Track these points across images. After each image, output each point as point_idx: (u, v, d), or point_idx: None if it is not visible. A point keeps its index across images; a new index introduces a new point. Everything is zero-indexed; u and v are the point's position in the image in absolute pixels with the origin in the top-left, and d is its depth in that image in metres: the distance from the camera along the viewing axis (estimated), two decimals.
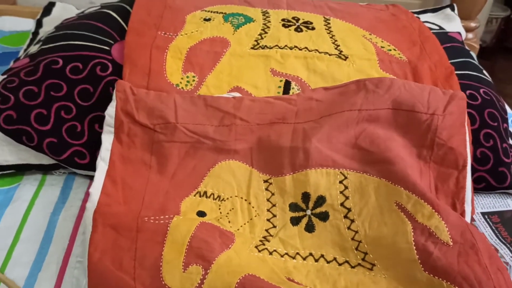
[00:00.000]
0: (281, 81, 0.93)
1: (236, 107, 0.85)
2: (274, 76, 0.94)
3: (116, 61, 0.94)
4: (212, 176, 0.81)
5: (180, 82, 0.92)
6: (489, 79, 1.06)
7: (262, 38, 0.99)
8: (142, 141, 0.82)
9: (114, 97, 0.85)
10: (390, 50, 1.01)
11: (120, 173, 0.79)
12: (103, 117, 0.86)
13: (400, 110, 0.83)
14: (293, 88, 0.93)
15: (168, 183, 0.80)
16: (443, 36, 1.12)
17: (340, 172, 0.79)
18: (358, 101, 0.84)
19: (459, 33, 1.19)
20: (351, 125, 0.82)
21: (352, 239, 0.74)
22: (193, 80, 0.92)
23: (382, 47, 1.01)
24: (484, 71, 1.08)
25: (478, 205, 0.91)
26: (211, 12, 1.05)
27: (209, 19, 1.02)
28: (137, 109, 0.83)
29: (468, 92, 0.96)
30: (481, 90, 0.98)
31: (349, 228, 0.75)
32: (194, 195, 0.79)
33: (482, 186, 0.92)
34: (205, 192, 0.79)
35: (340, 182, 0.78)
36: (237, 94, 0.90)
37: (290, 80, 0.93)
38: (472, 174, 0.90)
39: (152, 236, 0.68)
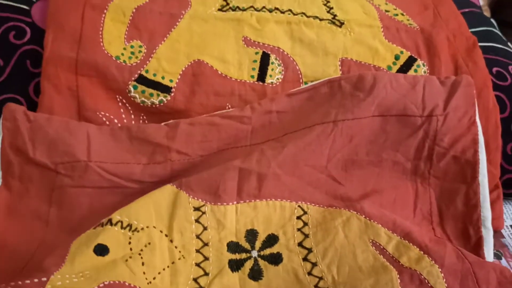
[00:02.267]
0: (257, 53, 0.71)
1: (170, 137, 0.63)
2: (248, 47, 0.71)
3: (37, 24, 0.71)
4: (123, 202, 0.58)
5: (122, 54, 0.69)
6: None
7: None
8: (39, 188, 0.60)
9: None
10: (397, 15, 0.79)
11: (1, 231, 0.57)
12: (15, 102, 0.64)
13: (388, 116, 0.62)
14: (272, 63, 0.71)
15: (68, 239, 0.55)
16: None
17: (299, 206, 0.59)
18: (332, 110, 0.63)
19: None
20: (324, 142, 0.62)
21: (316, 287, 0.54)
22: (139, 52, 0.69)
23: (386, 11, 0.79)
24: (509, 43, 0.87)
25: (508, 216, 0.71)
26: None
27: None
28: (33, 143, 0.60)
29: (495, 69, 0.76)
30: (510, 67, 0.78)
31: (310, 273, 0.55)
32: (94, 228, 0.55)
33: None
34: (110, 220, 0.55)
35: (298, 217, 0.58)
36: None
37: (269, 52, 0.71)
38: (502, 176, 0.71)
39: None
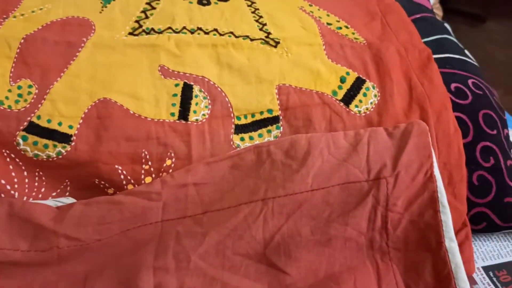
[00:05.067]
0: (177, 85, 0.59)
1: (58, 219, 0.50)
2: (165, 78, 0.60)
3: None
4: None
5: (7, 98, 0.55)
6: (474, 61, 0.77)
7: (147, 17, 0.64)
8: None
9: None
10: (341, 28, 0.69)
11: None
12: None
13: (330, 187, 0.51)
14: (196, 96, 0.59)
15: None
16: (408, 4, 0.82)
17: None
18: (261, 184, 0.51)
19: None
20: (253, 225, 0.50)
21: None
22: (29, 93, 0.56)
23: (328, 24, 0.69)
24: (466, 51, 0.79)
25: (478, 256, 0.63)
26: None
27: None
28: None
29: (453, 86, 0.67)
30: (470, 81, 0.69)
31: None
32: None
33: (482, 227, 0.63)
34: None
35: None
36: (68, 200, 0.54)
37: (192, 83, 0.60)
38: (469, 210, 0.62)
39: None
